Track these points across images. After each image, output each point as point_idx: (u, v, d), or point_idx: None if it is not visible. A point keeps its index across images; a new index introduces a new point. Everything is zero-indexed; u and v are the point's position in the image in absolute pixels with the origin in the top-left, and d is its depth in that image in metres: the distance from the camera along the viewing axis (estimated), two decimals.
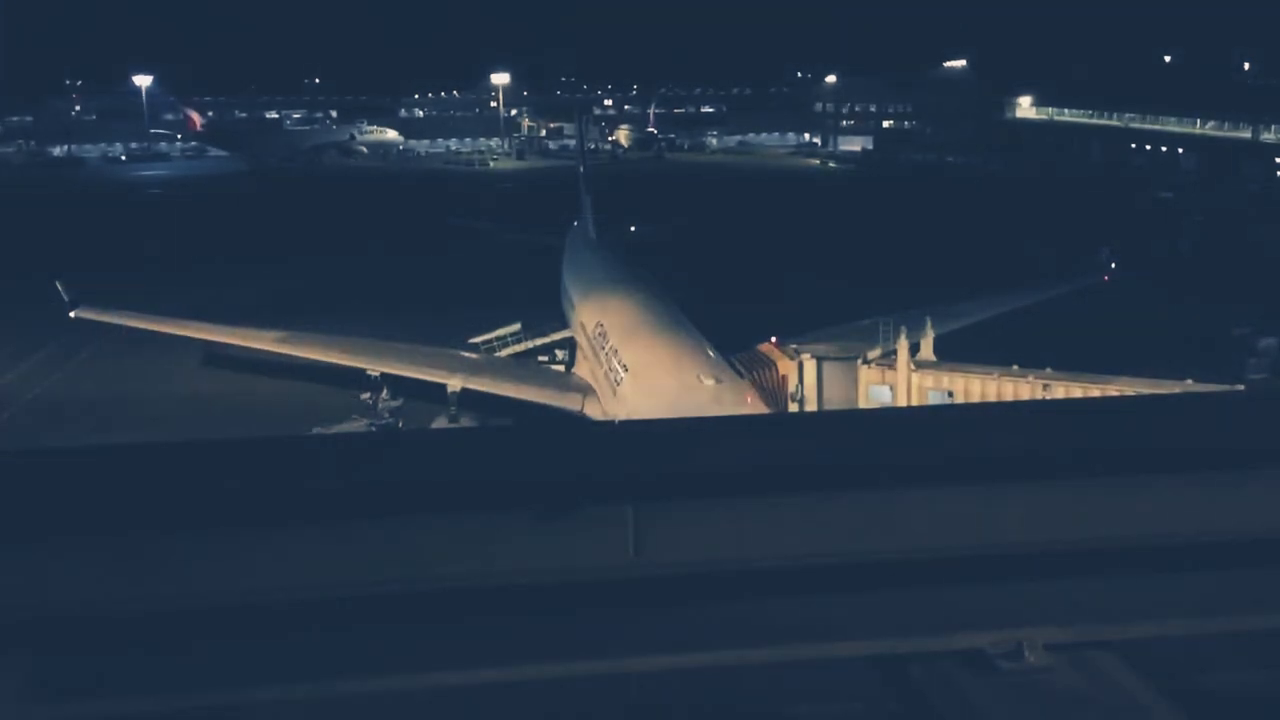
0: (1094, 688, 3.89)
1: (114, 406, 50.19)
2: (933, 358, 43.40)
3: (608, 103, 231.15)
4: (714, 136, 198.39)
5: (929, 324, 43.81)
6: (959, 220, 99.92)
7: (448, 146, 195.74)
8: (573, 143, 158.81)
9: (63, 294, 53.42)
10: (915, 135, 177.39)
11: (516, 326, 54.38)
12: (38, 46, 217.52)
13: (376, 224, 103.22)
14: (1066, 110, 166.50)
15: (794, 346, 44.09)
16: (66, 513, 4.01)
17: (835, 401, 42.44)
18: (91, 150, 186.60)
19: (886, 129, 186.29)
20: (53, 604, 3.89)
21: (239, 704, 3.84)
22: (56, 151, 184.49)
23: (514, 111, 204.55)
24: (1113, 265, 62.12)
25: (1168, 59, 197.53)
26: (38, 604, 3.89)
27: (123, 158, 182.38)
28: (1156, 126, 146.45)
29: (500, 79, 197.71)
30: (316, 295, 71.74)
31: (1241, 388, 40.45)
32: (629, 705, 3.89)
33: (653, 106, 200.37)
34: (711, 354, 39.96)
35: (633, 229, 73.81)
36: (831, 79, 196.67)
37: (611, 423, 33.49)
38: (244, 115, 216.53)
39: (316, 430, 42.70)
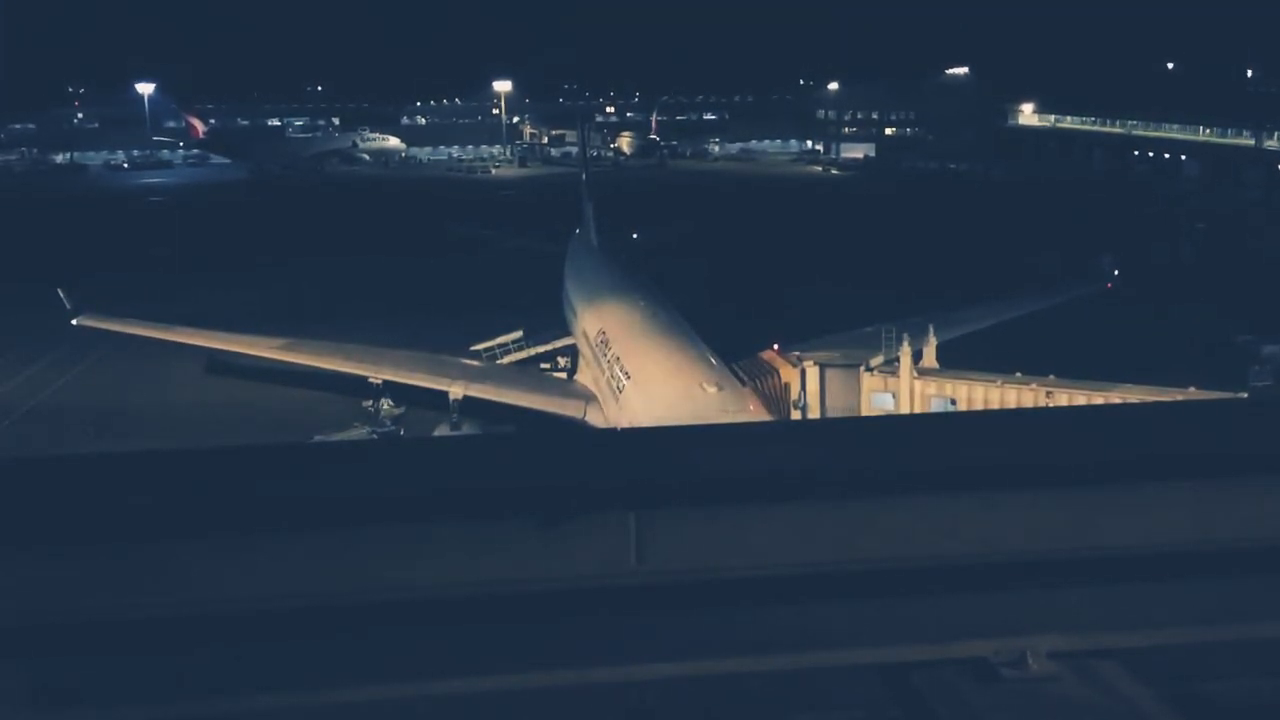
0: (1097, 696, 3.89)
1: (116, 413, 50.23)
2: (936, 365, 43.38)
3: (610, 110, 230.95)
4: (716, 144, 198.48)
5: (932, 331, 43.79)
6: (962, 227, 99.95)
7: (450, 154, 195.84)
8: (575, 150, 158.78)
9: (64, 301, 53.43)
10: (917, 142, 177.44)
11: (518, 334, 54.26)
12: (40, 54, 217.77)
13: (378, 231, 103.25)
14: (1069, 117, 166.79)
15: (796, 354, 44.05)
16: (68, 519, 4.01)
17: (838, 409, 42.41)
18: (94, 157, 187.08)
19: (889, 136, 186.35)
20: (54, 610, 3.89)
21: (241, 710, 3.84)
22: (59, 159, 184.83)
23: (516, 119, 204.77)
24: (1115, 272, 62.04)
25: (1170, 66, 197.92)
26: (39, 610, 3.89)
27: (125, 165, 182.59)
28: (1159, 134, 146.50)
29: (502, 86, 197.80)
30: (317, 301, 71.84)
31: (1244, 395, 40.39)
32: (631, 712, 3.88)
33: (655, 114, 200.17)
34: (714, 361, 39.91)
35: (635, 236, 73.83)
36: (833, 86, 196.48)
37: (614, 430, 33.50)
38: (246, 123, 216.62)
39: (319, 438, 42.80)
